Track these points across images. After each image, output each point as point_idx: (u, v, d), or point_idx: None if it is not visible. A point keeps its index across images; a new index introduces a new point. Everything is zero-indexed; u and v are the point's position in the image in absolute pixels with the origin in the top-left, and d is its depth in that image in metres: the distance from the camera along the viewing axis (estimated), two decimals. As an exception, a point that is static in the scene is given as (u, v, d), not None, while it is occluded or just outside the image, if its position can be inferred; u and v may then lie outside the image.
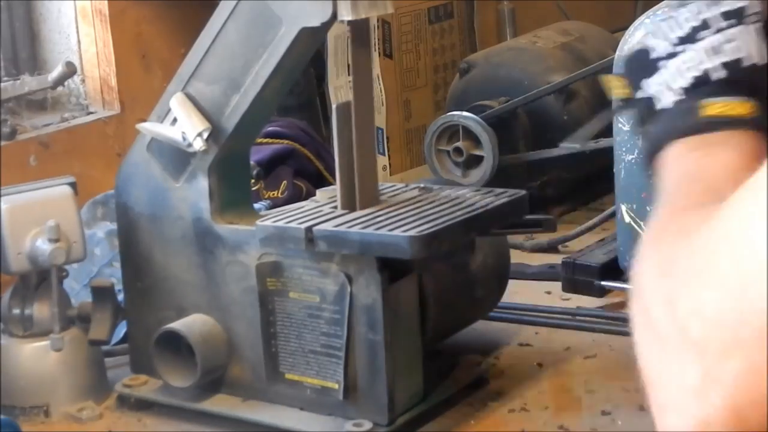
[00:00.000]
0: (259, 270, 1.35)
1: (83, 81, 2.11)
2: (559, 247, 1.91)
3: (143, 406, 1.44)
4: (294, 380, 1.35)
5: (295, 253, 1.31)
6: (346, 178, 1.33)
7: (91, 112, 2.10)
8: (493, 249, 1.50)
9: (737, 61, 1.05)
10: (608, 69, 1.72)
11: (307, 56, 1.40)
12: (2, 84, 2.01)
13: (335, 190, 1.36)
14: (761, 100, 1.02)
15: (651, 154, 1.03)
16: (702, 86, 1.04)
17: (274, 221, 1.32)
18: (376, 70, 2.20)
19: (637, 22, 1.65)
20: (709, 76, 1.04)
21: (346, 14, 1.26)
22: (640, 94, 1.08)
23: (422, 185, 1.43)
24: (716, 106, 1.02)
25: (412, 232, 1.23)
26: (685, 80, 1.05)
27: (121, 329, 1.53)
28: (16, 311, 1.45)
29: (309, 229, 1.28)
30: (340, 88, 1.35)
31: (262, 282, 1.35)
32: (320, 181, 2.05)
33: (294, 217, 1.32)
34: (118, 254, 1.51)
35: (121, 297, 1.49)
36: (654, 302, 0.77)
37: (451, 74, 2.36)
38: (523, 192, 1.42)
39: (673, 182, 0.95)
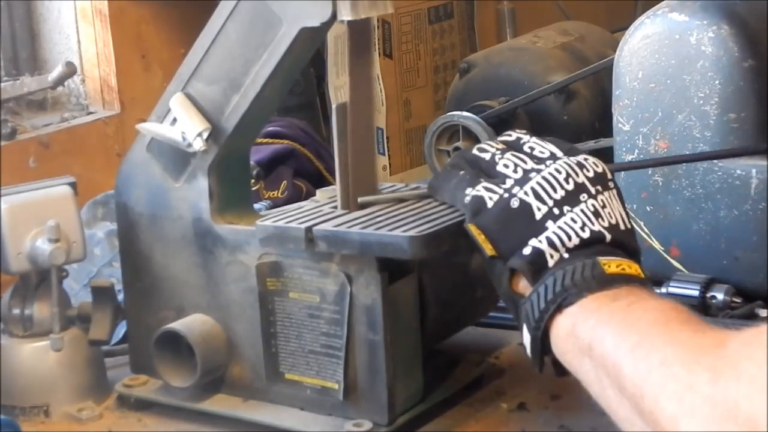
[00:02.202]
0: (259, 270, 1.35)
1: (83, 81, 2.11)
2: (560, 246, 1.91)
3: (143, 406, 1.44)
4: (294, 380, 1.35)
5: (295, 253, 1.31)
6: (346, 178, 1.33)
7: (91, 112, 2.10)
8: (493, 249, 1.50)
9: (616, 225, 1.12)
10: (608, 69, 1.72)
11: (307, 56, 1.40)
12: (2, 84, 2.01)
13: (335, 190, 1.36)
14: (638, 261, 1.11)
15: (552, 309, 1.07)
16: (592, 246, 1.09)
17: (274, 221, 1.32)
18: (376, 70, 2.20)
19: (637, 22, 1.65)
20: (597, 237, 1.10)
21: (346, 14, 1.26)
22: (526, 251, 1.12)
23: (422, 185, 1.43)
24: (613, 265, 1.08)
25: (412, 232, 1.23)
26: (577, 240, 1.09)
27: (121, 329, 1.53)
28: (16, 311, 1.45)
29: (309, 229, 1.28)
30: (340, 88, 1.35)
31: (262, 282, 1.35)
32: (320, 181, 2.05)
33: (294, 217, 1.32)
34: (118, 254, 1.51)
35: (121, 297, 1.49)
36: None
37: (451, 74, 2.36)
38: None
39: (628, 330, 0.99)
